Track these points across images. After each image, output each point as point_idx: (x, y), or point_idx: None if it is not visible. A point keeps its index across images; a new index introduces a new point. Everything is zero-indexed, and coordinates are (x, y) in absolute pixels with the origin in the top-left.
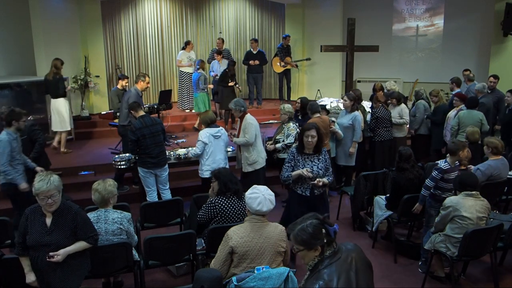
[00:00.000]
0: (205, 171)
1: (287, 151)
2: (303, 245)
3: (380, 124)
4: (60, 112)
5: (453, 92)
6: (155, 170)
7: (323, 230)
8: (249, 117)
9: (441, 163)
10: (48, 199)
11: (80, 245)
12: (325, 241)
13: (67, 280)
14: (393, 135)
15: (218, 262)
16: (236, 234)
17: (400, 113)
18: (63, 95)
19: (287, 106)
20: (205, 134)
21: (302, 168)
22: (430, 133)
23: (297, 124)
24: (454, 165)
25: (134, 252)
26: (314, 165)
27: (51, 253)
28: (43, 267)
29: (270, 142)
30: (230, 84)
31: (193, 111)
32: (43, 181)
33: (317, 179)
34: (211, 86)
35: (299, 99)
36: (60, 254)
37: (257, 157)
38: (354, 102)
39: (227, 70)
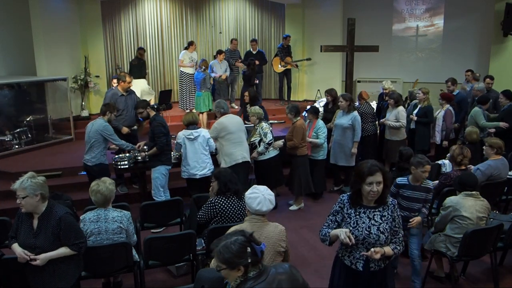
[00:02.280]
0: (182, 172)
1: (268, 150)
2: (225, 264)
3: (364, 119)
4: (140, 90)
5: (455, 93)
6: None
7: (249, 249)
8: (220, 119)
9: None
10: (17, 198)
11: (63, 251)
12: (249, 261)
13: (53, 284)
14: (376, 130)
15: None
16: None
17: (397, 116)
18: (144, 76)
19: (254, 108)
20: (179, 135)
21: (354, 226)
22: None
23: (269, 123)
24: (418, 183)
25: (134, 252)
26: (374, 224)
27: (31, 256)
28: (31, 268)
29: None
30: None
31: (193, 111)
32: (20, 180)
33: (372, 250)
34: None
35: (246, 92)
36: (39, 259)
37: (220, 159)
38: (350, 102)
39: (251, 69)
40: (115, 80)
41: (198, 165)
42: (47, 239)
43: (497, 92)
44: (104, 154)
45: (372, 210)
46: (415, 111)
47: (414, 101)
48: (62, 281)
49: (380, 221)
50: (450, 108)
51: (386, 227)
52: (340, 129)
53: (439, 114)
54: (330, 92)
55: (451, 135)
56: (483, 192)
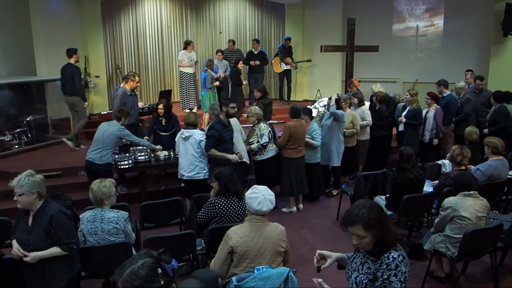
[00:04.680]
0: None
1: (263, 151)
2: None
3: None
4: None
5: (445, 95)
6: None
7: (159, 270)
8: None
9: None
10: (15, 195)
11: (53, 251)
12: (162, 283)
13: (43, 283)
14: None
15: (218, 262)
16: (236, 234)
17: (362, 115)
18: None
19: (254, 108)
20: (177, 135)
21: (351, 261)
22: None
23: (268, 123)
24: None
25: (134, 252)
26: (357, 270)
27: (23, 253)
28: (25, 267)
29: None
30: (244, 82)
31: (193, 110)
32: (17, 177)
33: (319, 281)
34: (217, 83)
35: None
36: (30, 256)
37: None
38: (339, 104)
39: (234, 69)
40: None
41: (186, 166)
42: (39, 237)
43: (489, 91)
44: (112, 155)
45: (367, 255)
46: (404, 113)
47: (402, 104)
48: (53, 281)
49: (362, 271)
50: (439, 107)
51: (363, 281)
52: (326, 129)
53: (429, 113)
54: (258, 88)
55: (440, 135)
56: (483, 192)
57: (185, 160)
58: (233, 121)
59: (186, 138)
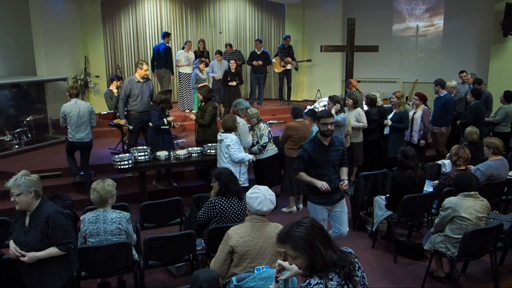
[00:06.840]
0: None
1: (263, 151)
2: None
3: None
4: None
5: (441, 95)
6: None
7: None
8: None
9: None
10: (12, 196)
11: (50, 251)
12: None
13: (41, 283)
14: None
15: (218, 262)
16: (237, 234)
17: (357, 117)
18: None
19: (251, 110)
20: None
21: None
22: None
23: (267, 123)
24: None
25: (134, 252)
26: None
27: (21, 252)
28: (23, 267)
29: None
30: (230, 83)
31: (193, 111)
32: (13, 178)
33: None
34: (204, 84)
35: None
36: (27, 256)
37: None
38: (340, 105)
39: (227, 69)
40: (114, 83)
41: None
42: (36, 237)
43: (488, 92)
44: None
45: None
46: (390, 116)
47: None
48: (50, 281)
49: None
50: (427, 107)
51: None
52: None
53: (417, 114)
54: (201, 91)
55: (427, 136)
56: (483, 192)
57: (221, 164)
58: (241, 122)
59: (220, 141)
